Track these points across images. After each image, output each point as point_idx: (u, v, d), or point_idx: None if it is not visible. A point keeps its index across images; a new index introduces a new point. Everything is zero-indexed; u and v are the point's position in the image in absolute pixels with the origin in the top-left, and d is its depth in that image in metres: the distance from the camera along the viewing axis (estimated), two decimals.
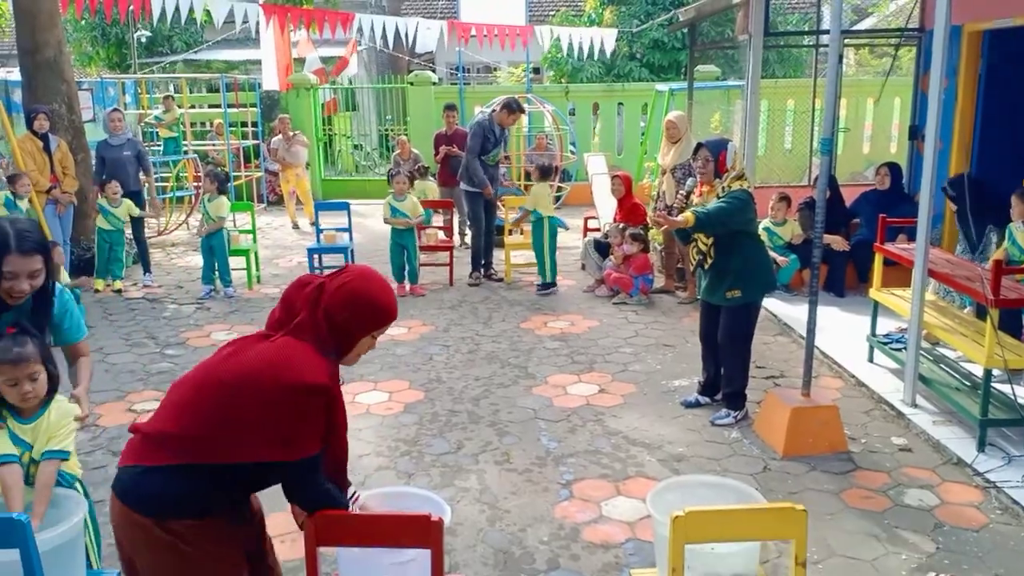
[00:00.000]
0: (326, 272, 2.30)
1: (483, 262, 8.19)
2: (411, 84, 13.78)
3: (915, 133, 7.77)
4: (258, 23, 10.89)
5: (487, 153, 7.89)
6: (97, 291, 7.90)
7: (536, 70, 18.42)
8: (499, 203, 8.58)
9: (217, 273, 7.82)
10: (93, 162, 8.66)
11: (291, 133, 11.41)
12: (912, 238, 5.41)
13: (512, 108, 7.89)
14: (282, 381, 2.07)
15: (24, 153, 7.57)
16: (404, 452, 4.46)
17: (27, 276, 2.67)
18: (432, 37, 12.03)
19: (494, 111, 7.99)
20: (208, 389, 2.13)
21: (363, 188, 13.57)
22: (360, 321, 2.22)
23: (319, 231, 8.44)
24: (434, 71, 15.40)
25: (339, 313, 2.19)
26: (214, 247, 7.71)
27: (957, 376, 4.87)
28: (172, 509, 2.11)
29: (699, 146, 4.72)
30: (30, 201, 7.46)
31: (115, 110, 8.86)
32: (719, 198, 4.53)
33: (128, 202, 8.12)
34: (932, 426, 4.54)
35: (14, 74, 10.27)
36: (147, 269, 8.34)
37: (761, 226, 7.45)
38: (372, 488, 3.77)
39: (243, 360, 2.14)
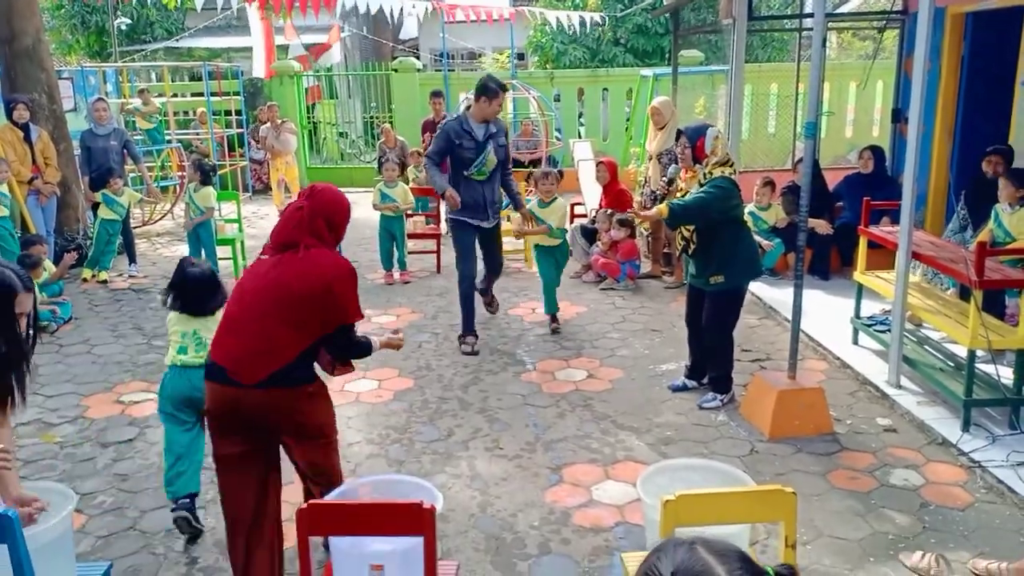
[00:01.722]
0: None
1: (484, 297, 6.30)
2: (395, 71, 13.70)
3: (898, 116, 7.81)
4: (241, 7, 10.76)
5: (467, 165, 5.58)
6: (85, 280, 7.85)
7: (521, 56, 18.31)
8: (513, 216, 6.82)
9: None
10: (77, 152, 8.56)
11: (279, 121, 11.33)
12: (896, 221, 5.45)
13: (488, 90, 5.50)
14: (336, 274, 2.87)
15: (4, 143, 7.48)
16: (395, 440, 4.47)
17: (24, 315, 2.54)
18: (415, 22, 11.96)
19: (469, 107, 5.74)
20: (285, 301, 2.82)
21: (349, 176, 13.49)
22: (345, 215, 3.04)
23: None
24: (418, 58, 15.30)
25: (334, 217, 2.98)
26: (201, 236, 7.67)
27: (941, 357, 4.93)
28: (312, 375, 2.95)
29: (679, 133, 4.76)
30: (11, 191, 7.38)
31: (100, 100, 8.75)
32: (700, 185, 4.55)
33: (129, 190, 8.10)
34: (916, 407, 4.60)
35: None
36: (133, 259, 8.28)
37: (746, 211, 7.50)
38: (363, 476, 3.79)
39: (298, 272, 2.84)
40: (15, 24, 8.30)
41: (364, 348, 3.05)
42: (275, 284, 2.84)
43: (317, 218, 2.91)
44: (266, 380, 2.80)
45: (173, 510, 3.47)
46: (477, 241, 5.83)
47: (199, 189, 7.64)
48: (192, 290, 3.61)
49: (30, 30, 8.42)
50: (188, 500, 3.48)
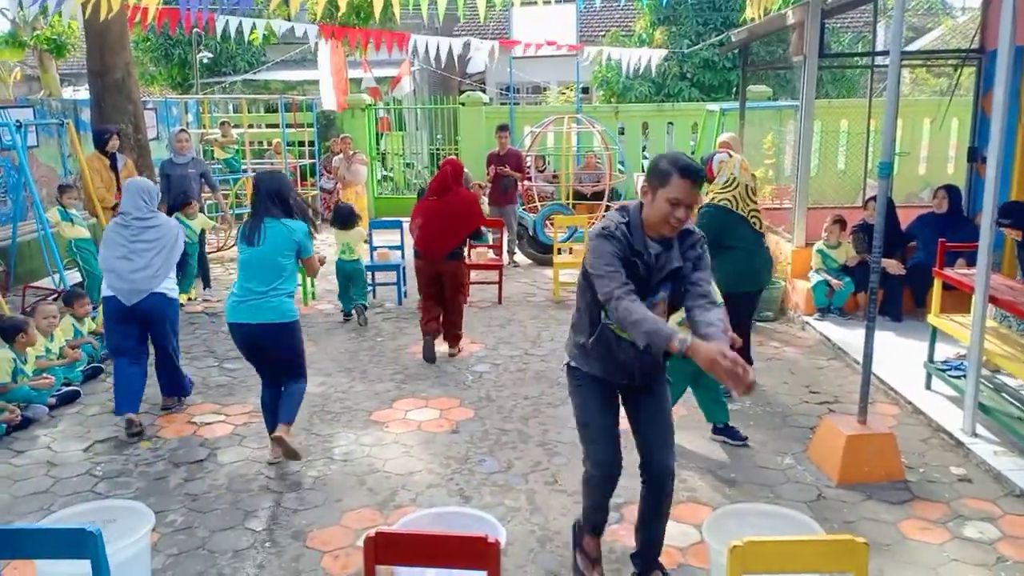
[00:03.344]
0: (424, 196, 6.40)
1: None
2: (463, 104, 13.96)
3: (974, 155, 7.61)
4: (316, 43, 11.11)
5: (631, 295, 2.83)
6: (190, 299, 8.18)
7: (585, 90, 18.45)
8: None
9: None
10: (157, 179, 8.93)
11: (351, 152, 11.64)
12: (971, 263, 5.30)
13: (657, 173, 2.88)
14: (475, 202, 6.59)
15: (92, 171, 7.86)
16: (455, 470, 4.50)
17: None
18: (482, 57, 12.18)
19: (639, 206, 2.97)
20: (459, 217, 6.26)
21: (412, 204, 13.73)
22: (463, 171, 6.63)
23: (372, 249, 8.58)
24: (484, 91, 15.57)
25: (461, 173, 6.45)
26: None
27: (1019, 405, 4.75)
28: (463, 256, 6.78)
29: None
30: (96, 216, 7.74)
31: (182, 131, 9.12)
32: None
33: (202, 216, 8.42)
34: (993, 456, 4.43)
35: (81, 93, 10.69)
36: (207, 284, 8.56)
37: (815, 248, 7.39)
38: (424, 507, 3.83)
39: (459, 204, 6.26)
40: (107, 59, 8.76)
41: (484, 235, 7.36)
42: (452, 210, 6.21)
43: (456, 174, 6.28)
44: (444, 257, 6.26)
45: (347, 312, 7.54)
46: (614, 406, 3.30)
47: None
48: (342, 217, 7.52)
49: (120, 64, 8.87)
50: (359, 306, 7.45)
